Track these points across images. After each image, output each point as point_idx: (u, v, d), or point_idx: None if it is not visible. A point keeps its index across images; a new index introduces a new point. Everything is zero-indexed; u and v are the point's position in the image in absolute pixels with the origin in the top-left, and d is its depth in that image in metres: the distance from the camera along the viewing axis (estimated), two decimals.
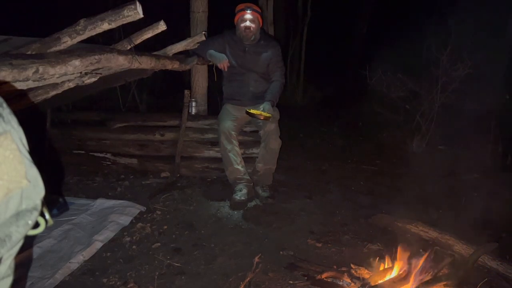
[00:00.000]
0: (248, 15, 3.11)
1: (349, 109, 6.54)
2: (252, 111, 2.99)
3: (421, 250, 2.14)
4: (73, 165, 3.62)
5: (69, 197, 2.96)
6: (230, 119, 3.17)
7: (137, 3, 1.97)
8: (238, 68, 3.23)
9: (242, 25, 3.13)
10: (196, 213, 2.86)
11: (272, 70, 3.27)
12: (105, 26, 2.00)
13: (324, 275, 2.04)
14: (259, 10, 3.22)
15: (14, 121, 0.66)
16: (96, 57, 2.05)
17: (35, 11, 6.45)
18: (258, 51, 3.21)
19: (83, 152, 3.70)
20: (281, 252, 2.34)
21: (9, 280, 0.70)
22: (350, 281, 2.00)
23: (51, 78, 1.88)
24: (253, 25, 3.13)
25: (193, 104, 3.65)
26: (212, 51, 3.23)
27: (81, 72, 2.11)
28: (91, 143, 3.69)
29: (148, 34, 2.46)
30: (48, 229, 0.95)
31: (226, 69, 3.21)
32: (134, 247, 2.36)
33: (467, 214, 2.71)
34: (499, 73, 6.25)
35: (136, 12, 1.97)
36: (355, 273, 2.06)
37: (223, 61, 3.17)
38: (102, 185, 3.33)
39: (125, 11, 1.97)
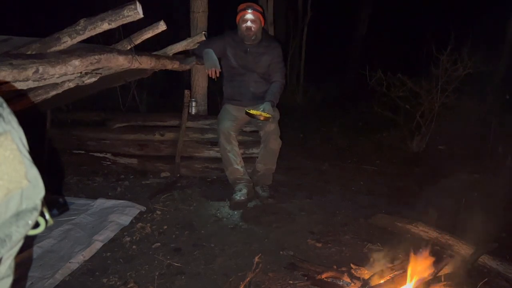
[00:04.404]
0: (249, 15, 3.07)
1: (349, 109, 6.55)
2: (252, 111, 2.97)
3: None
4: (73, 165, 3.62)
5: (69, 197, 2.96)
6: (230, 119, 3.16)
7: (137, 3, 1.97)
8: (239, 69, 3.21)
9: (244, 25, 3.09)
10: (196, 213, 2.86)
11: (273, 71, 3.25)
12: (105, 26, 2.00)
13: (324, 275, 2.04)
14: (260, 9, 3.17)
15: (14, 121, 0.66)
16: (96, 57, 2.05)
17: (35, 11, 6.45)
18: (260, 52, 3.19)
19: (83, 152, 3.70)
20: (281, 252, 2.34)
21: (9, 280, 0.70)
22: (350, 281, 2.00)
23: (51, 78, 1.89)
24: (254, 25, 3.09)
25: (193, 104, 3.65)
26: (208, 51, 3.15)
27: (81, 72, 2.11)
28: (91, 143, 3.69)
29: (148, 34, 2.47)
30: (48, 229, 0.95)
31: (213, 77, 3.15)
32: (134, 247, 2.36)
33: (467, 214, 2.71)
34: (499, 73, 6.25)
35: (136, 12, 1.98)
36: (355, 273, 2.05)
37: (212, 68, 3.09)
38: (102, 185, 3.33)
39: (125, 11, 1.97)
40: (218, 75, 3.17)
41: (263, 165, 3.20)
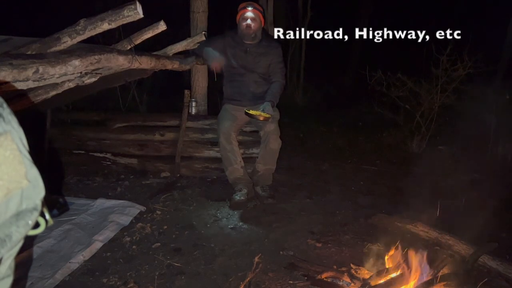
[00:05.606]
0: (250, 13, 3.09)
1: (349, 109, 6.55)
2: (251, 111, 2.97)
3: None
4: (73, 165, 3.62)
5: (69, 197, 2.96)
6: (230, 119, 3.16)
7: (137, 3, 1.97)
8: (239, 69, 3.21)
9: (244, 23, 3.11)
10: (196, 213, 2.86)
11: (273, 71, 3.26)
12: (105, 26, 2.00)
13: (324, 275, 2.04)
14: (260, 8, 3.19)
15: (14, 121, 0.66)
16: (96, 57, 2.05)
17: (35, 11, 6.45)
18: (260, 52, 3.20)
19: (83, 152, 3.70)
20: (281, 252, 2.34)
21: (9, 280, 0.70)
22: (350, 281, 2.00)
23: (51, 78, 1.89)
24: (254, 24, 3.10)
25: (193, 104, 3.65)
26: (209, 49, 3.19)
27: (81, 72, 2.11)
28: (91, 143, 3.69)
29: (148, 34, 2.47)
30: (48, 229, 0.95)
31: (218, 70, 3.20)
32: (134, 247, 2.36)
33: (467, 214, 2.71)
34: (499, 73, 6.25)
35: (136, 12, 1.98)
36: (355, 273, 2.05)
37: (216, 63, 3.14)
38: (102, 185, 3.33)
39: (125, 11, 1.97)
40: (222, 67, 3.20)
41: (263, 165, 3.20)
